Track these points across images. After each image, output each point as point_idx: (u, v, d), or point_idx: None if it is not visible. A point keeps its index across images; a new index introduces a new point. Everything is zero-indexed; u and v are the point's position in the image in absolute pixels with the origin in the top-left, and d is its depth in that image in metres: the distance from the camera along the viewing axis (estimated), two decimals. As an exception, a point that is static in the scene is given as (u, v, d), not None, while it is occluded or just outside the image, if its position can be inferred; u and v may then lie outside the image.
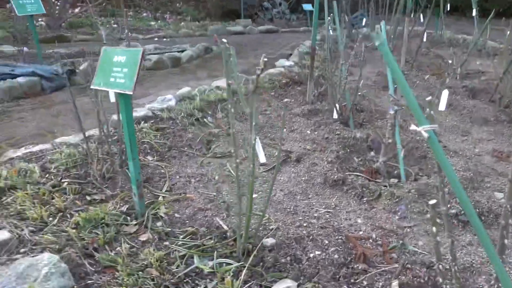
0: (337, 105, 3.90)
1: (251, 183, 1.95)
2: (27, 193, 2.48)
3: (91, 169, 2.88)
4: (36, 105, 4.70)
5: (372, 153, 3.37)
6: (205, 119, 4.04)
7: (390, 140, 3.00)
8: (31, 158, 2.99)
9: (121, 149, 2.89)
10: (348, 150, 3.30)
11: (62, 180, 2.70)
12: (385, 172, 3.01)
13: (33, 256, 1.92)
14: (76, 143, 3.35)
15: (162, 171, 2.99)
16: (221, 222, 2.34)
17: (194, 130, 3.77)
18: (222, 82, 5.17)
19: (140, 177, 2.33)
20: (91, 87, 2.21)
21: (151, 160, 3.17)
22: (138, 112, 3.90)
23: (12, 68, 5.01)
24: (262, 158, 2.04)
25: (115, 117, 3.77)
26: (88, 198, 2.56)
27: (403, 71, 5.04)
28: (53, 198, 2.48)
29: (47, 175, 2.76)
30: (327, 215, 2.41)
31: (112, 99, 2.91)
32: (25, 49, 6.66)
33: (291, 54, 7.98)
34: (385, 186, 2.73)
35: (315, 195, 2.65)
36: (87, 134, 3.53)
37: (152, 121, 3.84)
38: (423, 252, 2.08)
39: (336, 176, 2.72)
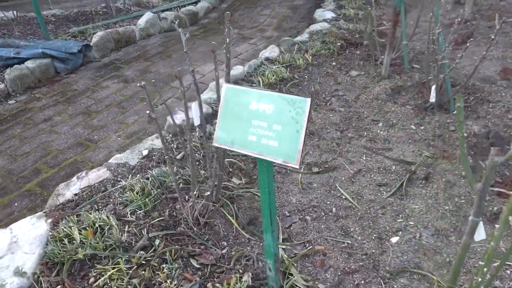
0: (434, 87, 3.24)
1: None
2: (119, 269, 1.90)
3: (176, 210, 2.29)
4: (56, 97, 3.90)
5: (497, 153, 2.81)
6: (274, 111, 3.35)
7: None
8: (94, 199, 2.36)
9: (213, 183, 2.26)
10: (472, 152, 2.73)
11: (150, 235, 2.11)
12: (530, 184, 2.48)
13: None
14: (138, 164, 2.70)
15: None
16: (382, 295, 1.83)
17: (268, 129, 3.11)
18: (269, 52, 4.38)
19: (278, 249, 1.76)
20: (214, 144, 1.53)
21: (239, 184, 2.56)
22: (197, 110, 3.18)
23: (17, 50, 4.10)
24: (482, 235, 1.46)
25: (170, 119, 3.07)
26: (195, 264, 1.99)
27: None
28: (154, 273, 1.91)
29: (127, 227, 2.16)
30: None
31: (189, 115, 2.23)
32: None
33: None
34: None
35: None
36: (142, 147, 2.87)
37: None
38: None
39: (495, 208, 2.18)
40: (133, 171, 2.65)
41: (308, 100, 1.31)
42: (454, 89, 3.57)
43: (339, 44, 4.58)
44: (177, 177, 2.51)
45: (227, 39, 1.80)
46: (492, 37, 4.48)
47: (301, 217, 2.31)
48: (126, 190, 2.41)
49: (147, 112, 1.78)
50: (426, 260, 2.00)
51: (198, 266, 1.98)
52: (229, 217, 2.27)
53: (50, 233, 2.12)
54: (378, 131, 3.03)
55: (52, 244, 2.03)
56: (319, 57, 4.27)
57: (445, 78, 3.25)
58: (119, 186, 2.45)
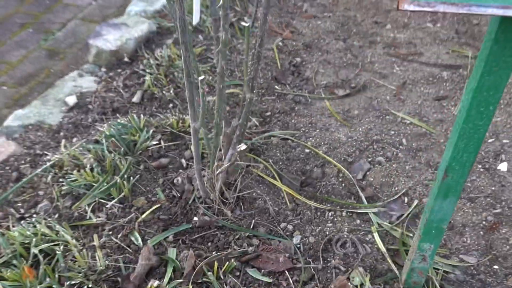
0: None
1: None
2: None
3: (176, 186, 1.29)
4: None
5: None
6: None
7: None
8: (5, 196, 1.19)
9: (242, 123, 1.28)
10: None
11: (151, 243, 1.10)
12: None
13: None
14: (66, 121, 1.54)
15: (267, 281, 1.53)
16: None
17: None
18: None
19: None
20: None
21: (251, 128, 1.63)
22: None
23: None
24: None
25: (97, 43, 1.84)
26: (260, 277, 1.08)
27: None
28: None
29: (99, 239, 1.10)
30: None
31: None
32: None
33: None
34: None
35: None
36: (60, 93, 1.70)
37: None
38: None
39: None
40: (61, 134, 1.48)
41: None
42: None
43: None
44: (151, 130, 1.46)
45: None
46: None
47: (370, 159, 1.52)
48: (66, 168, 1.27)
49: None
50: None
51: (268, 281, 1.07)
52: (270, 179, 1.36)
53: None
54: (391, 35, 2.33)
55: None
56: None
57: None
58: (48, 164, 1.29)
